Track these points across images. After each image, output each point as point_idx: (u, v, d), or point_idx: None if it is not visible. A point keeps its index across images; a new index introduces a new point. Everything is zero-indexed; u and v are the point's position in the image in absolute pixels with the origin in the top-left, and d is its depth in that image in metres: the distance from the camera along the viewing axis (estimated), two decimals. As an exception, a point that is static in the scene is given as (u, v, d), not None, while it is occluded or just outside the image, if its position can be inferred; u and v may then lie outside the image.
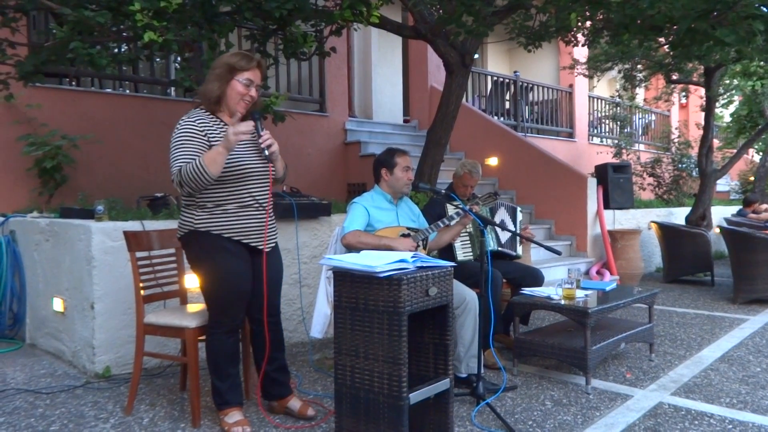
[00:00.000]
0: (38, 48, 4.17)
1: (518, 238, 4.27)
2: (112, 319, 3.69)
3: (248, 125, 2.60)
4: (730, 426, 2.93)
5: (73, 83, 5.75)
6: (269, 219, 2.85)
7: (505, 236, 4.26)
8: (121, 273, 3.67)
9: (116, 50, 4.76)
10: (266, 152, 2.70)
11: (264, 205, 2.79)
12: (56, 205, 4.85)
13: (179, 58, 4.50)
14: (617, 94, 10.83)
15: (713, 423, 2.96)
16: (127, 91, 6.18)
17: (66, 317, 3.96)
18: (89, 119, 5.54)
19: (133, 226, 3.72)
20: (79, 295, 3.77)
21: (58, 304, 4.02)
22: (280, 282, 3.00)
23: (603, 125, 11.98)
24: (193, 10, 3.95)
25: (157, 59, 6.19)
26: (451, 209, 3.86)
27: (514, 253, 4.28)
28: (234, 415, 2.80)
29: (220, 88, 2.71)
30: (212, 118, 2.74)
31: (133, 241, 3.08)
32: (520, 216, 4.39)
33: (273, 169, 2.78)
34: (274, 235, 2.91)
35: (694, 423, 2.96)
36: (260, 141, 2.70)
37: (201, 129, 2.66)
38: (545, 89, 10.55)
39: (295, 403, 3.01)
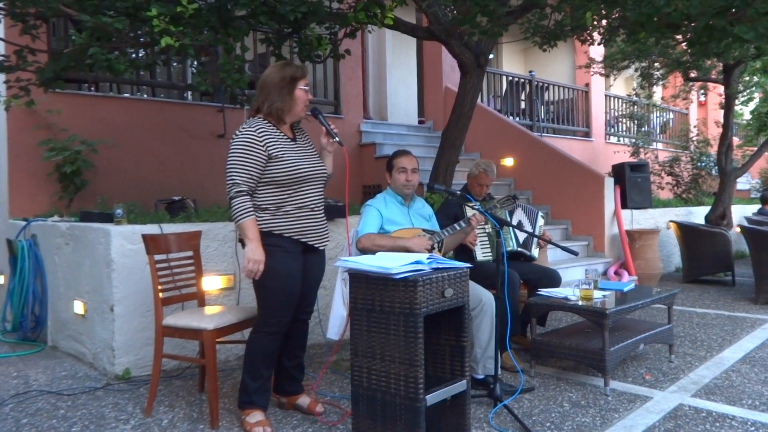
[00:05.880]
0: (58, 54, 4.22)
1: (534, 240, 4.24)
2: (132, 321, 3.73)
3: (261, 265, 2.72)
4: (753, 428, 2.88)
5: (92, 88, 5.82)
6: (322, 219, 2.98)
7: (522, 237, 4.23)
8: (139, 276, 3.72)
9: (134, 55, 4.82)
10: (337, 138, 2.98)
11: (320, 206, 2.95)
12: (76, 209, 4.92)
13: (196, 63, 4.54)
14: (634, 92, 10.71)
15: (735, 425, 2.92)
16: (145, 96, 6.25)
17: (86, 320, 4.01)
18: (108, 124, 5.62)
19: (152, 229, 3.76)
20: (99, 297, 3.82)
21: (78, 307, 4.08)
22: (320, 282, 3.12)
23: (620, 124, 11.86)
24: (209, 14, 3.98)
25: (174, 64, 6.26)
26: (469, 210, 3.84)
27: (528, 254, 4.25)
28: (256, 415, 2.84)
29: (291, 101, 2.84)
30: (273, 129, 2.83)
31: (152, 244, 3.12)
32: (541, 221, 4.37)
33: (327, 170, 3.01)
34: (327, 234, 3.05)
35: (716, 425, 2.92)
36: (332, 128, 2.98)
37: (261, 140, 2.74)
38: (561, 88, 10.47)
39: (304, 400, 3.10)
